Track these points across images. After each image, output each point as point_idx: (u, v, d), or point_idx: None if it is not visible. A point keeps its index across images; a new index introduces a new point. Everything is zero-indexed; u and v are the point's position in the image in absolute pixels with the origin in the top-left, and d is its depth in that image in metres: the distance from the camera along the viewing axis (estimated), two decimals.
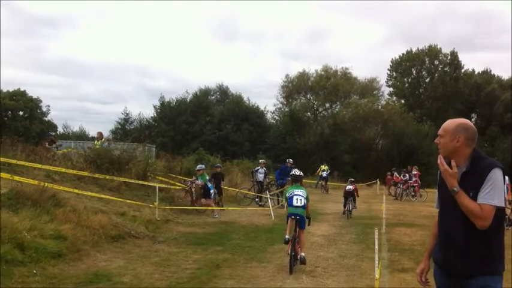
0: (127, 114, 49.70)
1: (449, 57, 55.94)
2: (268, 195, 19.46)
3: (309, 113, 54.20)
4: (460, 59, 56.02)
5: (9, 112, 46.65)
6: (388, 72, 58.63)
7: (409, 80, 58.03)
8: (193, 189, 17.41)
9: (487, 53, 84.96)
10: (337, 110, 53.33)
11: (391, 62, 58.42)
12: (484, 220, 3.25)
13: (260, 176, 22.04)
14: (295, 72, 57.09)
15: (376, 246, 7.28)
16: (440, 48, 56.39)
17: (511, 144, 46.37)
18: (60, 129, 50.67)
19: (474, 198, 3.30)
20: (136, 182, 17.53)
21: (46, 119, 50.15)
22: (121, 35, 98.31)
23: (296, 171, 10.32)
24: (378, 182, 32.19)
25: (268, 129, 48.06)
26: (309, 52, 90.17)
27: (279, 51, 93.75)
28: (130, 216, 13.31)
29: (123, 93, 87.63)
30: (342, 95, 53.32)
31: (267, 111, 52.13)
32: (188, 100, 50.19)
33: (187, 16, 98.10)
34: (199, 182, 17.27)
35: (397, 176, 29.18)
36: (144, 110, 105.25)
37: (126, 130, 48.18)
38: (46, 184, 12.11)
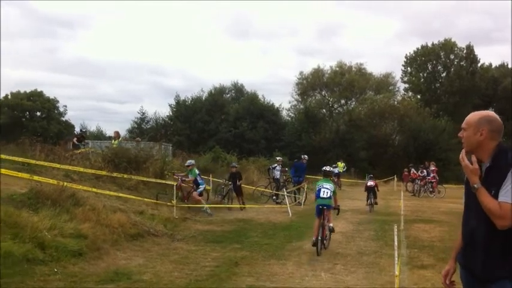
0: (143, 113, 49.93)
1: (465, 51, 55.29)
2: (285, 193, 19.44)
3: (324, 110, 54.05)
4: (476, 53, 55.42)
5: (27, 113, 47.12)
6: (403, 68, 58.18)
7: (425, 74, 57.48)
8: (183, 185, 17.08)
9: (504, 46, 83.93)
10: (352, 106, 53.12)
11: (405, 57, 57.96)
12: (503, 219, 3.02)
13: (277, 173, 22.02)
14: (309, 69, 56.96)
15: (396, 243, 7.24)
16: (456, 42, 55.82)
17: None
18: (77, 129, 51.08)
19: (496, 195, 3.08)
20: (153, 180, 17.64)
21: (63, 119, 50.63)
22: (136, 34, 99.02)
23: (326, 167, 12.11)
24: (395, 179, 32.01)
25: (283, 127, 47.96)
26: (323, 48, 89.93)
27: (292, 48, 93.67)
28: (148, 215, 13.40)
29: (139, 93, 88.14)
30: (357, 91, 53.10)
31: (282, 108, 52.05)
32: (203, 98, 50.28)
33: (201, 14, 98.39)
34: (190, 177, 16.93)
35: (415, 172, 28.98)
36: (160, 109, 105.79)
37: (142, 129, 48.35)
38: (65, 184, 12.22)
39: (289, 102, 55.67)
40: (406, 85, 58.04)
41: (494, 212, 3.06)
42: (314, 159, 34.95)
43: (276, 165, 22.46)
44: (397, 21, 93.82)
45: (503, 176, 3.09)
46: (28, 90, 48.36)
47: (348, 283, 8.07)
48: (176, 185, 16.65)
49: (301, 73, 55.33)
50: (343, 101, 54.58)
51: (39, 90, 48.85)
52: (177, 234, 12.25)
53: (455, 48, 55.66)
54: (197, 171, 17.03)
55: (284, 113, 52.76)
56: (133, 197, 15.15)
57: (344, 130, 47.03)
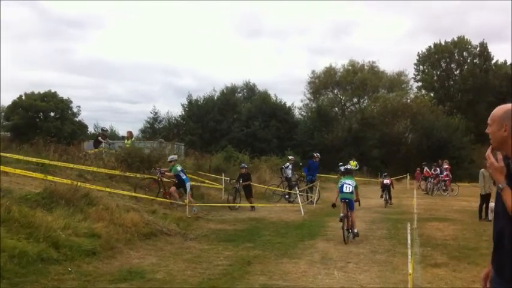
0: (155, 113, 50.10)
1: (478, 48, 54.89)
2: (298, 192, 19.42)
3: (336, 109, 53.93)
4: (489, 50, 54.97)
5: (41, 113, 47.40)
6: (415, 66, 57.85)
7: (438, 72, 57.13)
8: (165, 180, 16.66)
9: None
10: (365, 104, 52.92)
11: (418, 55, 57.64)
12: None
13: (288, 173, 22.00)
14: (321, 68, 56.89)
15: (409, 241, 7.21)
16: (469, 39, 55.40)
17: None
18: (91, 129, 51.42)
19: None
20: (166, 179, 17.69)
21: (77, 119, 50.87)
22: (147, 34, 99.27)
23: (348, 166, 14.00)
24: (408, 177, 31.86)
25: (295, 126, 47.88)
26: (335, 47, 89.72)
27: (304, 46, 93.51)
28: (161, 214, 13.47)
29: (151, 93, 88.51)
30: (370, 89, 52.93)
31: (295, 107, 51.98)
32: (215, 98, 50.34)
33: (212, 14, 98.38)
34: (172, 173, 16.41)
35: (428, 170, 28.82)
36: (172, 108, 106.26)
37: (155, 129, 48.54)
38: (79, 183, 12.33)
39: (301, 101, 55.68)
40: (419, 83, 57.75)
41: None
42: (326, 158, 34.95)
43: (288, 164, 22.43)
44: (409, 18, 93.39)
45: None
46: (42, 91, 48.76)
47: (361, 282, 8.05)
48: (156, 179, 16.36)
49: (313, 72, 55.36)
50: (355, 100, 54.45)
51: (52, 91, 49.19)
52: (190, 233, 12.28)
53: (469, 46, 55.25)
54: (179, 168, 16.43)
55: (296, 111, 52.74)
56: (146, 196, 15.23)
57: (356, 129, 46.87)
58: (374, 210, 18.54)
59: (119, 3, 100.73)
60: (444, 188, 26.70)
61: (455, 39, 55.74)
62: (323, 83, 54.44)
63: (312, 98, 55.07)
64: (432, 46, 56.91)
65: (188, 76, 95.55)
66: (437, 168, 27.47)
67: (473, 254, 10.14)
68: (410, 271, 6.78)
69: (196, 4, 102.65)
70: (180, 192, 16.36)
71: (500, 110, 3.12)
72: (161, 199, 15.56)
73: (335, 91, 55.02)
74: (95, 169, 16.32)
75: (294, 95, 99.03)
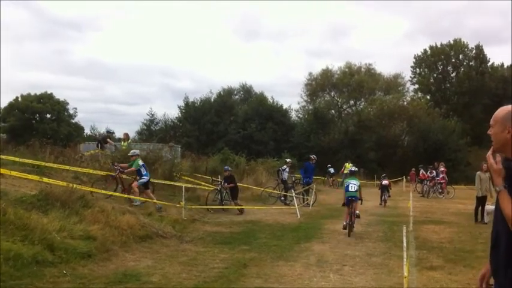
0: (152, 115, 50.10)
1: (474, 51, 55.05)
2: (294, 194, 19.42)
3: (333, 111, 53.99)
4: (485, 53, 55.12)
5: (37, 115, 47.36)
6: (412, 68, 58.00)
7: (435, 75, 57.27)
8: (124, 176, 15.84)
9: None
10: (361, 107, 53.02)
11: (415, 58, 57.78)
12: None
13: (285, 175, 22.01)
14: (318, 70, 56.91)
15: (404, 244, 7.22)
16: (465, 42, 55.54)
17: None
18: (87, 131, 51.34)
19: None
20: (162, 182, 17.68)
21: (73, 121, 50.85)
22: (144, 36, 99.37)
23: (352, 167, 15.90)
24: (404, 179, 31.93)
25: (292, 128, 47.93)
26: (332, 49, 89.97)
27: (301, 49, 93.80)
28: (157, 216, 13.44)
29: (148, 94, 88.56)
30: (367, 91, 53.01)
31: (291, 109, 52.04)
32: (212, 100, 50.37)
33: (210, 16, 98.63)
34: (133, 168, 15.46)
35: (424, 173, 28.88)
36: (169, 110, 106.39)
37: (151, 131, 48.52)
38: (74, 185, 12.30)
39: (298, 103, 55.75)
40: (416, 86, 57.85)
41: (509, 218, 2.81)
42: (323, 160, 35.02)
43: (285, 166, 22.44)
44: (407, 21, 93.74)
45: None
46: (38, 93, 48.70)
47: (356, 284, 8.05)
48: (114, 175, 15.70)
49: (310, 74, 55.41)
50: (352, 102, 54.55)
51: (49, 92, 49.16)
52: (186, 235, 12.27)
53: (465, 49, 55.38)
54: (140, 162, 15.64)
55: (293, 114, 52.80)
56: (142, 198, 15.19)
57: (353, 131, 46.96)
58: (370, 212, 18.54)
59: (116, 5, 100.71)
60: (440, 190, 26.75)
61: (452, 42, 55.90)
62: (320, 85, 54.51)
63: (309, 100, 55.18)
64: (428, 49, 57.05)
65: (185, 78, 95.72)
66: (434, 171, 27.51)
67: (469, 256, 10.16)
68: (405, 274, 6.79)
69: (194, 6, 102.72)
70: (140, 188, 15.41)
71: (503, 111, 3.05)
72: (119, 194, 14.88)
73: (332, 93, 55.11)
74: (91, 171, 16.28)
75: (290, 97, 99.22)
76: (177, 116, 50.31)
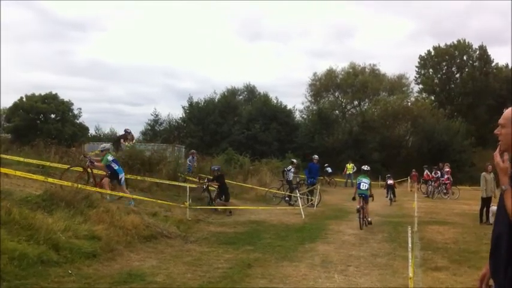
0: (156, 115, 50.05)
1: (478, 51, 54.90)
2: (298, 194, 19.41)
3: (337, 111, 53.86)
4: (489, 53, 54.93)
5: (42, 115, 47.39)
6: (417, 69, 57.89)
7: (439, 75, 57.14)
8: (91, 169, 15.10)
9: None
10: (365, 107, 52.91)
11: (419, 58, 57.66)
12: None
13: (290, 175, 22.00)
14: (322, 71, 56.77)
15: (409, 245, 7.20)
16: (469, 42, 55.38)
17: None
18: (92, 131, 51.40)
19: None
20: (167, 182, 17.70)
21: (78, 121, 50.86)
22: (148, 37, 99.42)
23: (364, 167, 16.55)
24: (409, 180, 31.88)
25: (296, 128, 47.87)
26: (335, 50, 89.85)
27: (305, 49, 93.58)
28: (162, 217, 13.44)
29: (152, 95, 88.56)
30: (371, 92, 52.88)
31: (295, 110, 51.96)
32: (216, 100, 50.34)
33: (213, 16, 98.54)
34: (102, 164, 14.80)
35: (428, 173, 28.81)
36: (173, 111, 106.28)
37: (155, 131, 48.54)
38: (79, 185, 12.31)
39: (302, 104, 55.64)
40: (420, 86, 57.75)
41: None
42: (327, 160, 35.05)
43: (290, 167, 22.43)
44: (411, 21, 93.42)
45: None
46: (43, 93, 48.73)
47: (361, 285, 8.04)
48: (84, 168, 15.11)
49: (314, 74, 55.28)
50: (356, 102, 54.41)
51: (53, 93, 49.18)
52: (190, 236, 12.27)
53: (469, 49, 55.23)
54: (110, 158, 14.89)
55: (297, 114, 52.71)
56: (147, 198, 15.22)
57: (357, 131, 46.89)
58: (375, 213, 18.50)
59: (120, 5, 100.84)
60: (445, 191, 26.69)
61: (456, 42, 55.76)
62: (324, 86, 54.42)
63: (313, 101, 55.08)
64: (432, 49, 56.93)
65: (189, 78, 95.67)
66: (438, 172, 27.46)
67: (474, 257, 10.13)
68: (410, 275, 6.77)
69: (197, 7, 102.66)
70: (114, 184, 14.78)
71: None
72: (91, 188, 13.69)
73: (336, 94, 54.99)
74: (95, 171, 16.30)
75: (294, 98, 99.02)
76: (181, 116, 50.34)
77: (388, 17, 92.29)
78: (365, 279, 8.37)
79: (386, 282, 8.20)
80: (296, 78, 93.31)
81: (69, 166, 15.59)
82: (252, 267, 9.04)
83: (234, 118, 48.51)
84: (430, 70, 57.50)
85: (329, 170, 34.43)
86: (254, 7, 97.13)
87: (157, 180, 17.62)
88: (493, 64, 55.34)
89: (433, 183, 27.40)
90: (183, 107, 50.11)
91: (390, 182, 23.97)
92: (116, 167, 14.72)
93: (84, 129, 50.95)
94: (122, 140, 21.89)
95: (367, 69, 55.18)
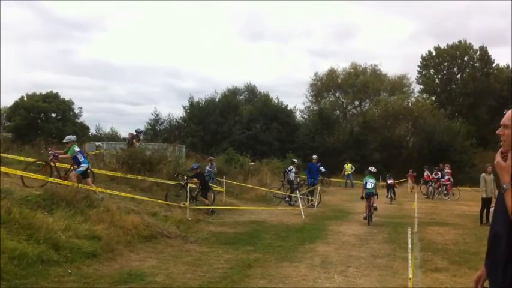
0: (157, 115, 50.04)
1: (478, 52, 54.86)
2: (298, 195, 19.41)
3: (338, 111, 53.81)
4: (490, 54, 54.84)
5: (42, 114, 47.47)
6: (419, 69, 57.86)
7: (440, 76, 57.11)
8: (55, 163, 14.54)
9: None
10: (366, 107, 52.85)
11: (421, 58, 57.63)
12: None
13: (291, 176, 21.99)
14: (323, 70, 56.71)
15: (409, 246, 7.20)
16: (470, 43, 55.34)
17: None
18: (92, 131, 51.44)
19: None
20: (167, 182, 17.69)
21: (78, 120, 50.95)
22: (149, 36, 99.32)
23: (371, 168, 17.93)
24: (409, 180, 31.87)
25: (297, 128, 47.84)
26: (337, 50, 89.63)
27: (306, 49, 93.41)
28: (162, 216, 13.45)
29: (153, 94, 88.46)
30: (372, 92, 52.82)
31: (296, 109, 51.94)
32: (217, 100, 50.34)
33: (214, 16, 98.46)
34: (68, 155, 14.19)
35: (429, 174, 28.79)
36: (174, 110, 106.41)
37: (156, 131, 48.53)
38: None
39: (303, 104, 55.59)
40: (421, 86, 57.71)
41: None
42: (328, 160, 35.01)
43: (291, 167, 22.42)
44: (412, 22, 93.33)
45: None
46: (44, 92, 48.82)
47: (361, 286, 8.04)
48: (47, 162, 14.57)
49: (315, 74, 55.21)
50: (357, 103, 54.35)
51: (54, 92, 49.26)
52: (190, 236, 12.27)
53: (470, 50, 55.20)
54: (77, 149, 14.30)
55: (298, 114, 52.68)
56: (147, 198, 15.22)
57: (358, 132, 46.87)
58: (375, 214, 18.46)
59: (120, 5, 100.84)
60: (445, 192, 26.66)
61: (457, 43, 55.73)
62: (325, 86, 54.35)
63: (314, 101, 55.01)
64: (433, 50, 56.92)
65: (190, 78, 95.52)
66: (439, 172, 27.44)
67: (474, 258, 10.11)
68: (410, 275, 6.77)
69: (198, 7, 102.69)
70: (79, 177, 13.98)
71: None
72: (54, 180, 13.42)
73: (337, 94, 54.94)
74: (96, 171, 16.33)
75: (295, 98, 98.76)
76: (181, 116, 50.35)
77: (388, 17, 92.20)
78: (365, 280, 8.38)
79: (386, 283, 8.20)
80: (297, 78, 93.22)
81: (34, 160, 15.26)
82: (252, 268, 9.05)
83: (234, 118, 48.51)
84: (432, 70, 57.45)
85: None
86: (255, 7, 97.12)
87: (158, 180, 17.62)
88: (494, 65, 55.26)
89: (433, 184, 27.38)
90: (184, 107, 50.17)
91: (390, 181, 24.85)
92: (81, 158, 14.14)
93: (84, 128, 51.04)
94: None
95: (368, 70, 55.14)
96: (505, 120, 2.92)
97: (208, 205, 16.95)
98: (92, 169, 15.76)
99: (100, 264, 8.64)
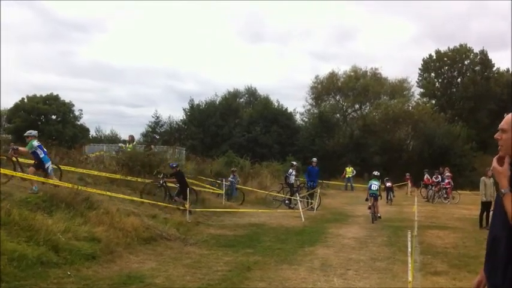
0: (157, 117, 49.98)
1: (478, 56, 54.91)
2: (298, 198, 19.41)
3: (338, 115, 53.80)
4: (490, 58, 54.87)
5: (43, 116, 47.45)
6: (420, 72, 57.92)
7: (440, 80, 57.16)
8: (17, 158, 14.14)
9: None
10: (366, 111, 52.85)
11: (422, 61, 57.69)
12: None
13: (291, 178, 21.99)
14: (324, 73, 56.76)
15: (409, 249, 7.20)
16: (470, 47, 55.39)
17: None
18: (92, 133, 51.45)
19: None
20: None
21: (79, 122, 50.95)
22: (150, 38, 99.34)
23: (375, 172, 19.01)
24: (409, 184, 31.87)
25: (297, 131, 47.84)
26: (338, 52, 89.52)
27: (307, 52, 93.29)
28: (161, 219, 13.46)
29: (153, 97, 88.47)
30: (372, 96, 52.81)
31: (296, 112, 51.94)
32: (217, 103, 50.35)
33: (214, 18, 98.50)
34: (27, 149, 13.65)
35: (428, 177, 28.79)
36: (174, 113, 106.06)
37: (156, 133, 48.56)
38: (79, 187, 12.33)
39: (303, 107, 55.60)
40: (422, 90, 57.73)
41: None
42: (328, 164, 35.02)
43: (291, 170, 22.41)
44: (413, 25, 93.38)
45: None
46: (44, 94, 48.82)
47: None
48: (8, 156, 14.20)
49: (316, 77, 55.19)
50: (357, 106, 54.34)
51: (55, 94, 49.27)
52: (190, 238, 12.27)
53: (470, 54, 55.26)
54: (36, 144, 13.69)
55: (298, 117, 52.69)
56: (147, 200, 15.22)
57: (358, 135, 46.86)
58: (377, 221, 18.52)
59: (120, 5, 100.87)
60: (445, 195, 26.65)
61: (457, 46, 55.78)
62: (325, 89, 54.35)
63: (314, 104, 55.02)
64: (434, 53, 56.99)
65: (190, 80, 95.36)
66: (439, 176, 27.45)
67: (474, 262, 10.10)
68: (410, 279, 6.77)
69: (198, 8, 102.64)
70: (41, 171, 13.53)
71: None
72: (15, 173, 13.14)
73: (337, 97, 54.95)
74: (96, 173, 16.34)
75: (296, 101, 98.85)
76: (182, 118, 50.35)
77: (389, 18, 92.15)
78: (364, 283, 8.37)
79: (386, 286, 8.20)
80: (298, 81, 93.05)
81: (7, 156, 14.62)
82: (252, 270, 9.05)
83: (234, 120, 48.50)
84: (432, 74, 57.50)
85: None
86: (255, 8, 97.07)
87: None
88: (494, 69, 55.29)
89: (433, 188, 27.38)
90: (184, 109, 50.15)
91: (389, 184, 25.70)
92: (42, 154, 13.66)
93: (84, 130, 51.04)
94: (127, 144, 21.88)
95: (368, 73, 55.15)
96: (503, 124, 2.93)
97: (185, 205, 15.97)
98: (92, 171, 15.78)
99: (99, 266, 8.64)
